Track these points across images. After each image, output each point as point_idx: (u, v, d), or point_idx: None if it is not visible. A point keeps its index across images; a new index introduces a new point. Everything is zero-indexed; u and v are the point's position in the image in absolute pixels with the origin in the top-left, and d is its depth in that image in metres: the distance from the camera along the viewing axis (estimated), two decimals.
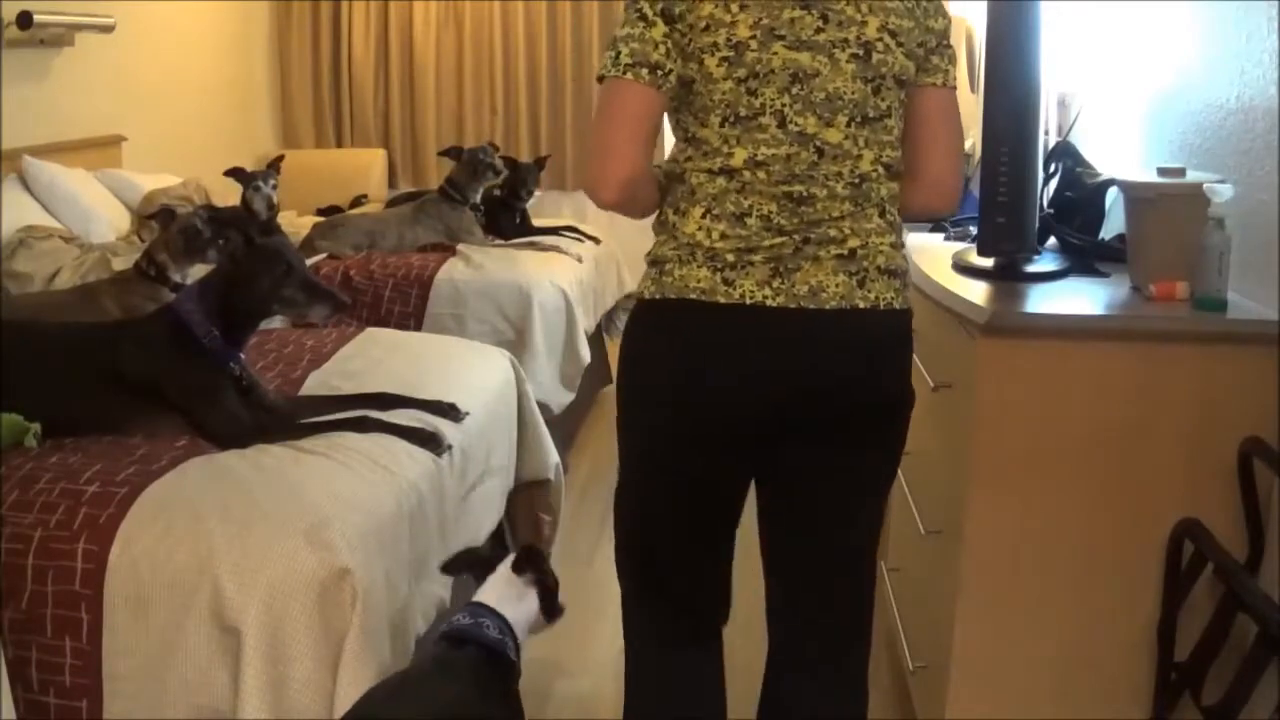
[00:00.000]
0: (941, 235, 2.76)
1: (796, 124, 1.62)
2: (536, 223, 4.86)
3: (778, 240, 1.62)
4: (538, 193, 4.85)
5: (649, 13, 1.62)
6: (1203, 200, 1.91)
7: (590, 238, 4.83)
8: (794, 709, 1.89)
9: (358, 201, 5.67)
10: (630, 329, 1.74)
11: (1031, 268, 2.20)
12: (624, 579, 1.95)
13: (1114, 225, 2.38)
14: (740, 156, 1.63)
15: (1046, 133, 2.50)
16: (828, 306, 1.62)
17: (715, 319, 1.63)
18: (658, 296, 1.67)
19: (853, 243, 1.64)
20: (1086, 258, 2.28)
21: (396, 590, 2.07)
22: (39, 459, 2.08)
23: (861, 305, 1.63)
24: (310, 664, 1.83)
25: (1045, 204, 2.42)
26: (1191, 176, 2.03)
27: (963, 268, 2.26)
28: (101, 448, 2.16)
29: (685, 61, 1.63)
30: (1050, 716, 2.05)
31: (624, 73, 1.60)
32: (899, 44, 1.64)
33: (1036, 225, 2.21)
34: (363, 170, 6.22)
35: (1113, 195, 2.39)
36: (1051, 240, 2.39)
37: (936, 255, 2.41)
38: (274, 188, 4.14)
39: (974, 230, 2.49)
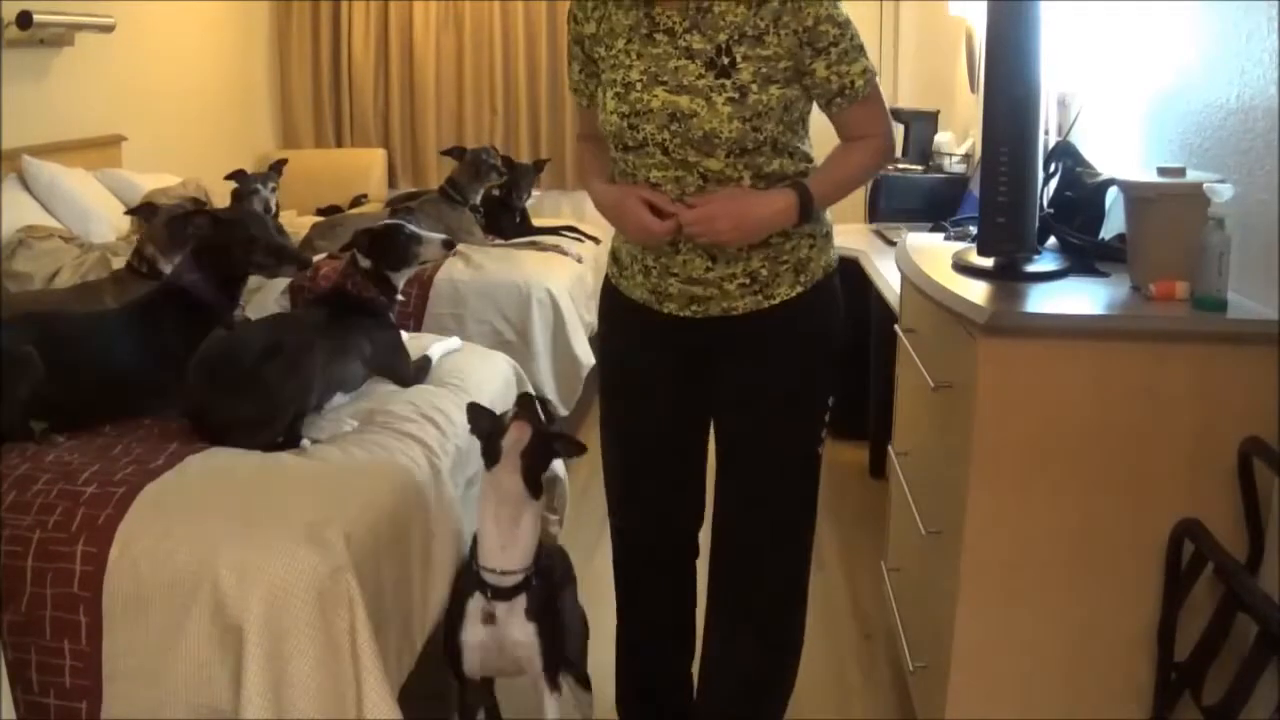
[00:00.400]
0: (941, 235, 2.76)
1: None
2: (536, 223, 4.87)
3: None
4: (537, 193, 4.85)
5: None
6: (1203, 200, 1.91)
7: (590, 237, 4.83)
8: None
9: (358, 201, 5.67)
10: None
11: (1031, 268, 2.20)
12: None
13: (1114, 225, 2.38)
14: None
15: (1046, 133, 2.50)
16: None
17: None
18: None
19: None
20: (1086, 258, 2.28)
21: (397, 589, 2.07)
22: (36, 459, 2.08)
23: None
24: (311, 663, 1.83)
25: (1045, 204, 2.41)
26: (1191, 176, 2.03)
27: (963, 268, 2.26)
28: (98, 447, 2.16)
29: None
30: (1050, 716, 2.05)
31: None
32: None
33: (1036, 225, 2.21)
34: (363, 170, 6.22)
35: (1113, 195, 2.39)
36: (1051, 240, 2.39)
37: (936, 255, 2.41)
38: (273, 190, 4.16)
39: (974, 230, 2.49)
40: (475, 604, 2.01)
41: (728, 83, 1.88)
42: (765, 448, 2.07)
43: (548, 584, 2.08)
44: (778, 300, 2.00)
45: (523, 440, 1.98)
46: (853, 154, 2.01)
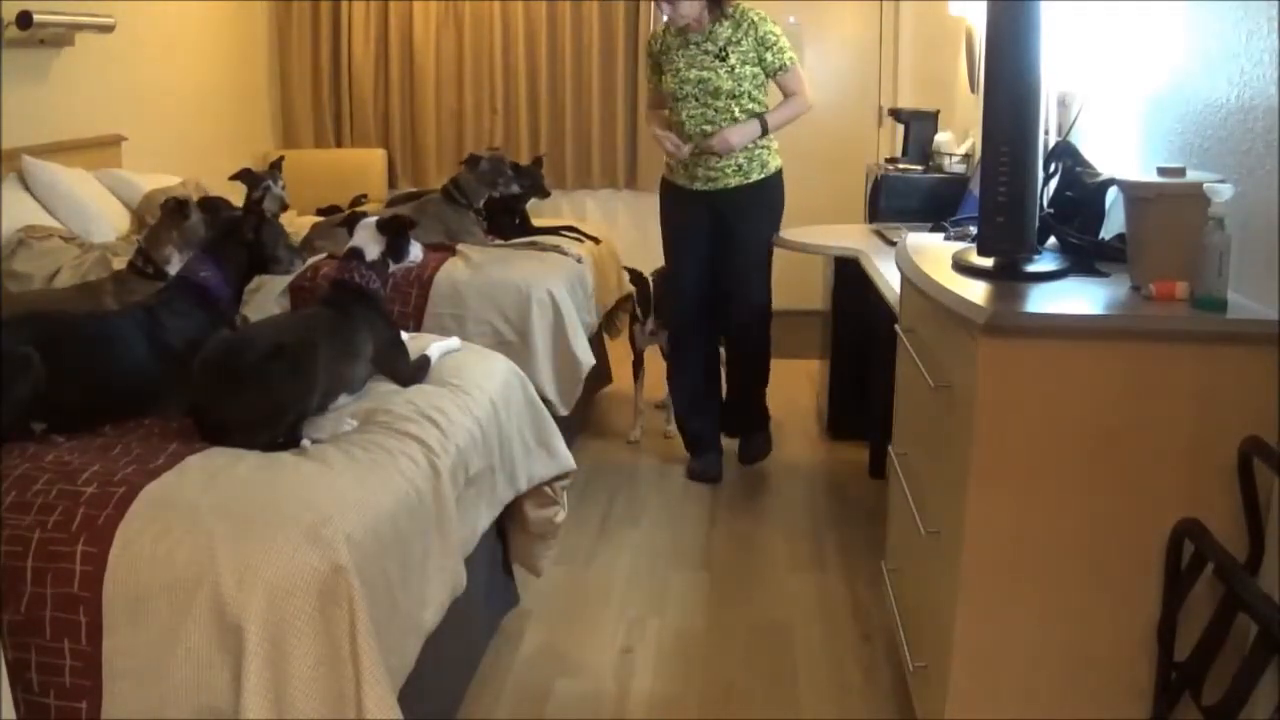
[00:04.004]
0: (941, 235, 2.76)
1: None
2: (536, 223, 4.86)
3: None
4: None
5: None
6: (1203, 200, 1.91)
7: (590, 237, 4.83)
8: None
9: (358, 201, 5.67)
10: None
11: (1031, 268, 2.20)
12: None
13: (1114, 225, 2.38)
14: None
15: (1046, 133, 2.50)
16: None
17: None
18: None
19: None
20: (1086, 258, 2.28)
21: (397, 588, 2.07)
22: (36, 459, 2.08)
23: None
24: (312, 662, 1.83)
25: (1045, 204, 2.41)
26: (1191, 176, 2.03)
27: (963, 268, 2.26)
28: (98, 447, 2.16)
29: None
30: (1050, 716, 2.05)
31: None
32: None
33: (1036, 225, 2.21)
34: (363, 170, 6.23)
35: (1113, 195, 2.39)
36: (1051, 240, 2.39)
37: (936, 255, 2.41)
38: (283, 187, 4.18)
39: (974, 230, 2.49)
40: (638, 330, 4.57)
41: (724, 64, 3.90)
42: (748, 247, 4.07)
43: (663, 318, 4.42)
44: (751, 179, 4.01)
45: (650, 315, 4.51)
46: (787, 102, 4.01)
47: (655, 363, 4.62)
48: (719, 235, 4.06)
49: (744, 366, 4.26)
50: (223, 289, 2.58)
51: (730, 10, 3.89)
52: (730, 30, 3.87)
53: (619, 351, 4.94)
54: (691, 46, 3.90)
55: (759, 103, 3.94)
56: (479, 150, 5.02)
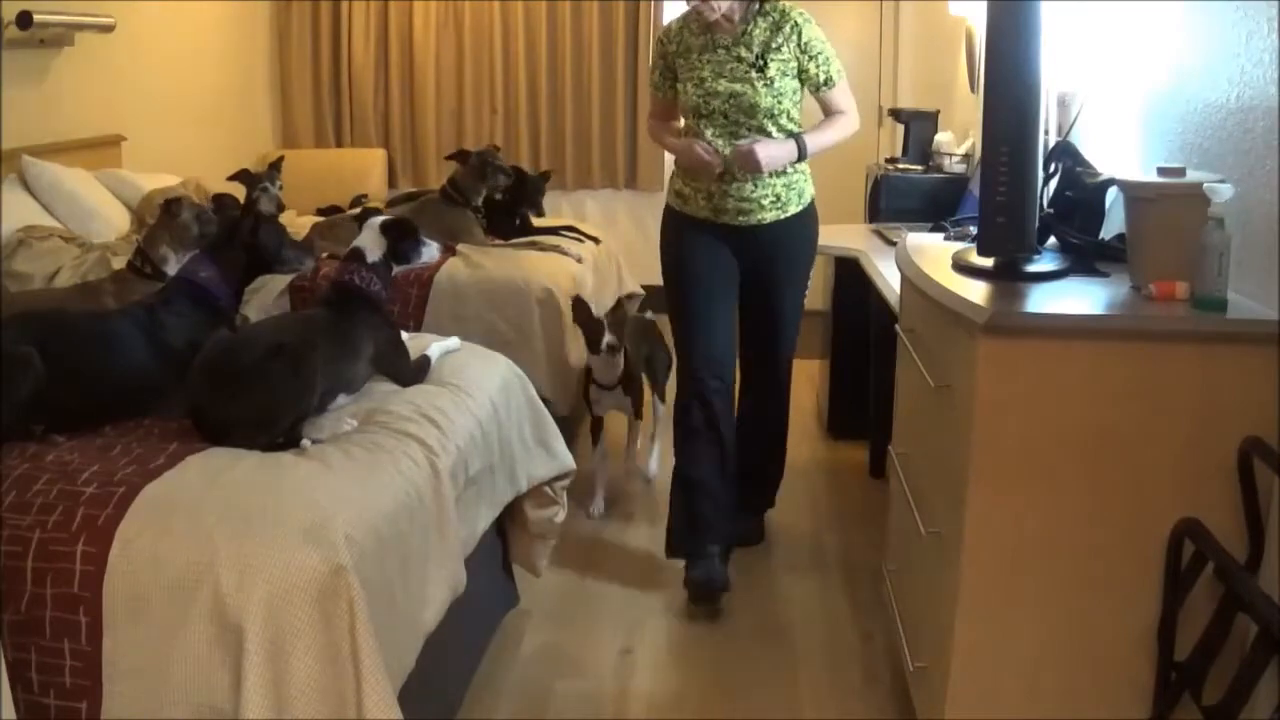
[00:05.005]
0: (941, 235, 2.76)
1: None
2: (536, 223, 4.86)
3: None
4: None
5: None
6: (1203, 200, 1.91)
7: (590, 238, 4.83)
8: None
9: (358, 201, 5.66)
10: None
11: (1031, 268, 2.20)
12: None
13: (1114, 225, 2.38)
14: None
15: (1046, 133, 2.50)
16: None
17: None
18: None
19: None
20: (1086, 258, 2.28)
21: (397, 588, 2.07)
22: (36, 459, 2.08)
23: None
24: (312, 662, 1.83)
25: (1045, 204, 2.41)
26: (1191, 176, 2.03)
27: (963, 268, 2.26)
28: (98, 447, 2.16)
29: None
30: (1050, 716, 2.05)
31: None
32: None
33: (1036, 225, 2.21)
34: (363, 170, 6.22)
35: (1113, 195, 2.39)
36: (1051, 240, 2.39)
37: (936, 255, 2.41)
38: (280, 188, 4.18)
39: (974, 230, 2.49)
40: (595, 390, 3.78)
41: (763, 75, 3.13)
42: (784, 296, 3.37)
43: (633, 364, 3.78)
44: (789, 214, 3.25)
45: (615, 342, 3.61)
46: (829, 121, 3.25)
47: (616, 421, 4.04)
48: (749, 283, 3.34)
49: (760, 435, 3.53)
50: (221, 289, 2.57)
51: (767, 8, 3.15)
52: (768, 32, 3.12)
53: None
54: (720, 50, 3.14)
55: (797, 124, 3.22)
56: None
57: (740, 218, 3.22)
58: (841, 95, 3.21)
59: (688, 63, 3.20)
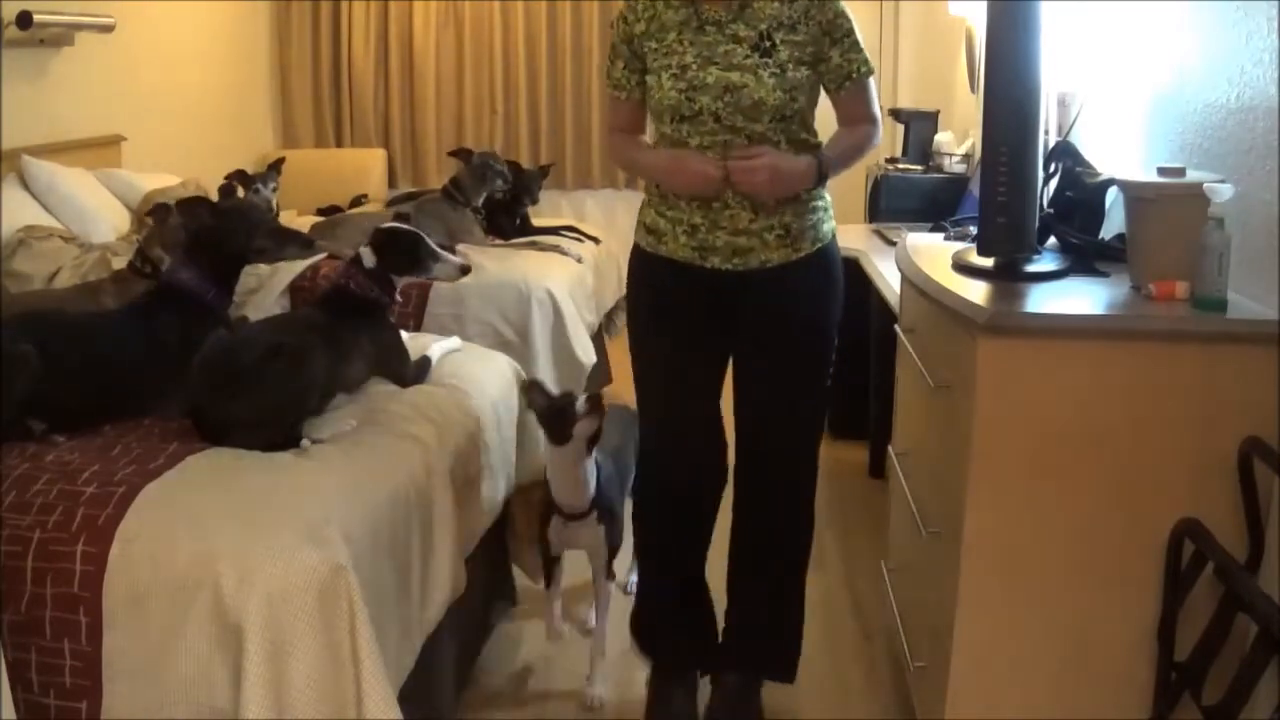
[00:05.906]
0: (941, 235, 2.76)
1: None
2: (536, 223, 4.87)
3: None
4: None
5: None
6: (1203, 200, 1.91)
7: (590, 238, 4.83)
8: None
9: (358, 201, 5.67)
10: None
11: (1031, 268, 2.20)
12: None
13: (1114, 225, 2.38)
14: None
15: (1046, 133, 2.50)
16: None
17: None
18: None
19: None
20: (1086, 258, 2.28)
21: (397, 589, 2.07)
22: (36, 459, 2.08)
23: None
24: (312, 661, 1.83)
25: (1045, 204, 2.41)
26: (1191, 176, 2.03)
27: (963, 268, 2.26)
28: (98, 447, 2.16)
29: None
30: (1050, 716, 2.05)
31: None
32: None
33: (1036, 225, 2.21)
34: (363, 170, 6.22)
35: (1113, 195, 2.39)
36: (1051, 240, 2.39)
37: (936, 255, 2.41)
38: (274, 190, 4.17)
39: (974, 230, 2.49)
40: (557, 523, 2.62)
41: (770, 61, 2.25)
42: (795, 367, 2.41)
43: (607, 497, 2.63)
44: (803, 253, 2.34)
45: (592, 430, 2.47)
46: (853, 132, 2.38)
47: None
48: (747, 353, 2.43)
49: (769, 554, 2.55)
50: (203, 287, 2.53)
51: None
52: (779, 4, 2.28)
53: (619, 352, 4.93)
54: (709, 28, 2.27)
55: (812, 132, 2.37)
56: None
57: (735, 259, 2.31)
58: (867, 96, 2.36)
59: (663, 45, 2.30)
